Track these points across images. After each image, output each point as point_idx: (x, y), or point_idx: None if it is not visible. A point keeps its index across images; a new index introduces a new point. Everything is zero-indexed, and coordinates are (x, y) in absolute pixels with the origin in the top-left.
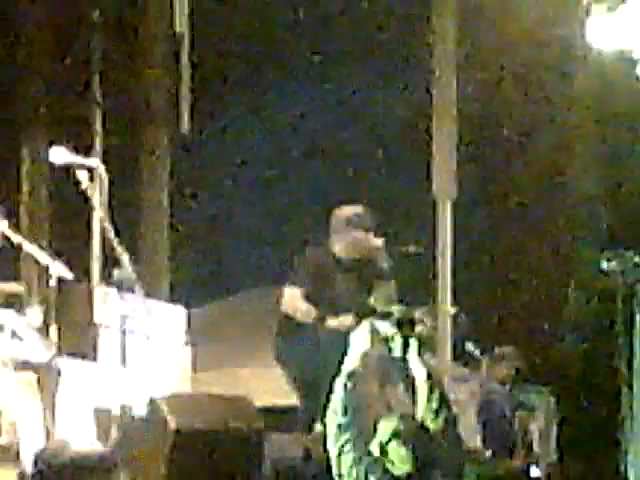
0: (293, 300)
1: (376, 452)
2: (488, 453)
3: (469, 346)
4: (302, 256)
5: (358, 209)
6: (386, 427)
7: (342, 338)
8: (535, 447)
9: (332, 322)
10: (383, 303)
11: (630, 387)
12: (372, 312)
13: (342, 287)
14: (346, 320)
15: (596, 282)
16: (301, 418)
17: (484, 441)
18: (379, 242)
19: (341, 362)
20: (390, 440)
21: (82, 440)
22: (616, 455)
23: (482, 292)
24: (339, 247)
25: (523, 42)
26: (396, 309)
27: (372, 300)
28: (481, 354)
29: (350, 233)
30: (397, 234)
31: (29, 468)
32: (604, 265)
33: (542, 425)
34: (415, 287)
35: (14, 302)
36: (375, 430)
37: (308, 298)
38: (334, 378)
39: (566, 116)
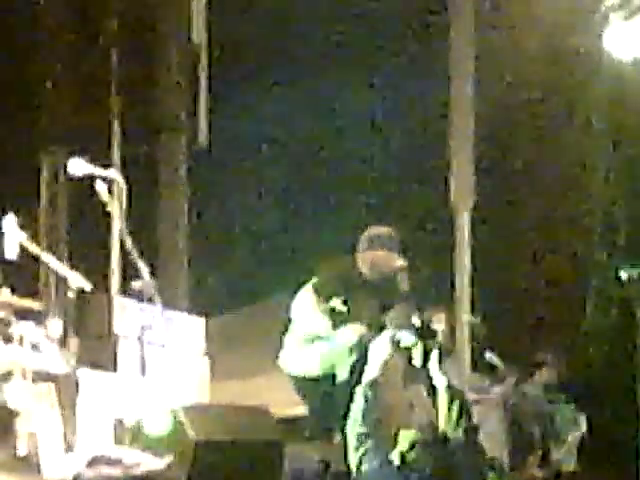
0: (309, 307)
1: (397, 461)
2: (507, 462)
3: (488, 355)
4: (328, 265)
5: (384, 230)
6: (407, 436)
7: (354, 347)
8: (556, 456)
9: (343, 331)
10: (396, 324)
11: None
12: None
13: (360, 302)
14: (358, 330)
15: (614, 291)
16: (311, 427)
17: (510, 451)
18: (402, 263)
19: (354, 371)
20: (411, 449)
21: (103, 450)
22: (636, 462)
23: (500, 302)
24: (363, 264)
25: (541, 51)
26: (416, 319)
27: (386, 319)
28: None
29: (374, 252)
30: (415, 244)
31: (49, 478)
32: (622, 274)
33: (563, 433)
34: (433, 297)
35: (34, 314)
36: (396, 439)
37: (322, 307)
38: (354, 387)
39: (584, 124)
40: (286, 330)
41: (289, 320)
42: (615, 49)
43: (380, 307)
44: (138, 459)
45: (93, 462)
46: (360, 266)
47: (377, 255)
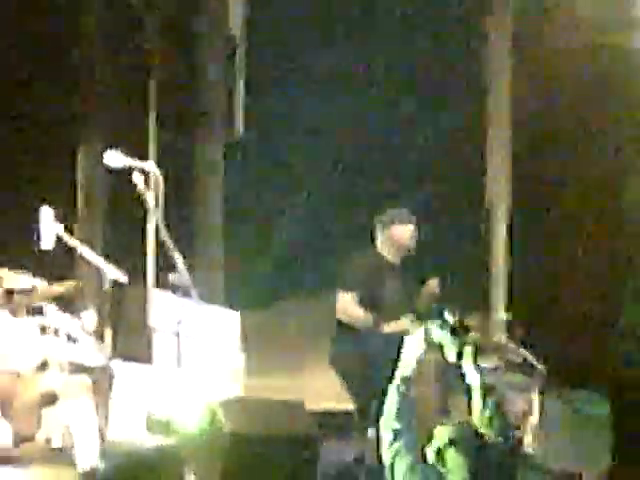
0: (348, 306)
1: (432, 459)
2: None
3: (524, 353)
4: (350, 260)
5: (399, 209)
6: (442, 433)
7: (397, 342)
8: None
9: (389, 327)
10: (427, 302)
11: None
12: (427, 317)
13: (392, 288)
14: (402, 324)
15: None
16: (357, 423)
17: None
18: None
19: (395, 367)
20: (447, 447)
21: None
22: None
23: (537, 300)
24: (385, 246)
25: (581, 49)
26: (451, 315)
27: (419, 298)
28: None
29: (393, 227)
30: (450, 243)
31: (84, 470)
32: None
33: (598, 431)
34: (470, 295)
35: (69, 305)
36: (430, 436)
37: (361, 302)
38: (388, 383)
39: (623, 124)
40: (324, 325)
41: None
42: None
43: (409, 291)
44: (162, 444)
45: (118, 451)
46: (382, 249)
47: (397, 229)
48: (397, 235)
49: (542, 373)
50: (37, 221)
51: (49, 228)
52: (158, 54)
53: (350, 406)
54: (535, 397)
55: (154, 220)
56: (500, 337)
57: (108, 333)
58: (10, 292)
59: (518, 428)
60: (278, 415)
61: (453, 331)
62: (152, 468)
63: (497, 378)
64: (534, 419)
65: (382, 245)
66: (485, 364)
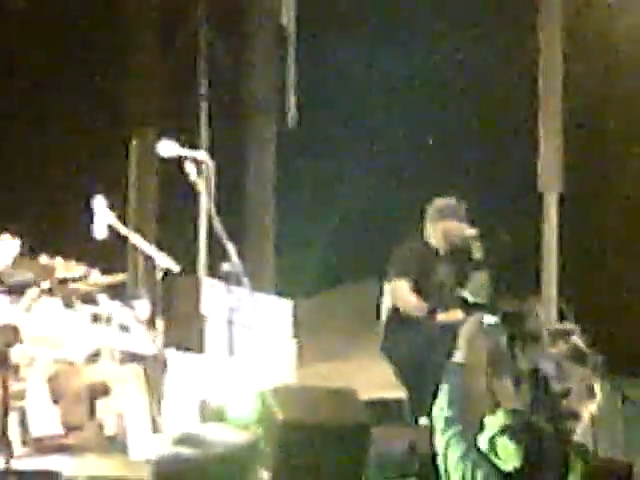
0: (404, 293)
1: (484, 447)
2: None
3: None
4: (402, 247)
5: (451, 201)
6: (494, 422)
7: (449, 331)
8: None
9: (442, 316)
10: (476, 294)
11: None
12: (480, 307)
13: (441, 277)
14: (455, 314)
15: None
16: (408, 411)
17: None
18: (473, 231)
19: (448, 355)
20: (499, 435)
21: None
22: None
23: (589, 286)
24: (434, 237)
25: (633, 32)
26: (504, 303)
27: (466, 291)
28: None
29: (444, 222)
30: (501, 228)
31: (136, 458)
32: None
33: None
34: (520, 281)
35: (121, 294)
36: (482, 424)
37: (413, 289)
38: (440, 371)
39: None
40: (375, 313)
41: (379, 305)
42: None
43: (460, 280)
44: (221, 437)
45: (177, 442)
46: (430, 238)
47: (448, 225)
48: (447, 231)
49: (594, 360)
50: (90, 210)
51: (102, 217)
52: (209, 44)
53: (402, 394)
54: (595, 384)
55: (206, 209)
56: (553, 324)
57: (160, 322)
58: (63, 281)
59: (574, 417)
60: (330, 403)
61: (505, 318)
62: (228, 460)
63: (551, 365)
64: (593, 407)
65: (430, 234)
66: (538, 351)
